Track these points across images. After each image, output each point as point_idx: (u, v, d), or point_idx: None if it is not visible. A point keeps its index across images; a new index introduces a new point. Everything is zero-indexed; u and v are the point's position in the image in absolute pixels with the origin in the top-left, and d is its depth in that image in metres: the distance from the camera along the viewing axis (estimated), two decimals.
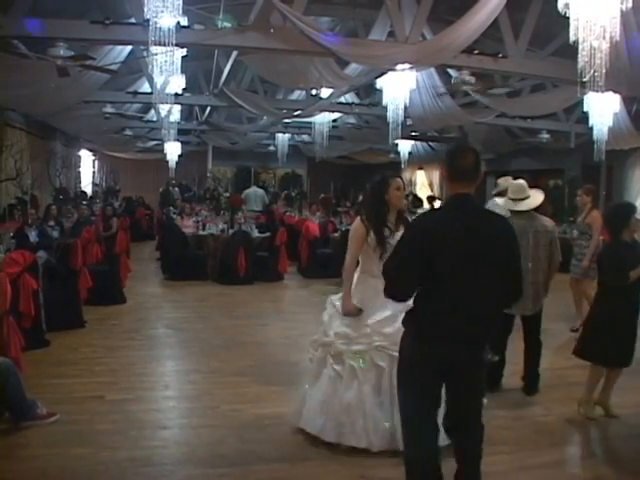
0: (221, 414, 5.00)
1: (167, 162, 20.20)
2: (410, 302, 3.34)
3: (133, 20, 7.45)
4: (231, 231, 11.78)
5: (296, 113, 13.59)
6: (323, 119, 14.63)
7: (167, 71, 7.48)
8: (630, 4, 5.87)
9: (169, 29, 5.80)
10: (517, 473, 4.18)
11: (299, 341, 6.67)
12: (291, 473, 4.01)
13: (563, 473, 4.26)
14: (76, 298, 7.80)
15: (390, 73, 9.43)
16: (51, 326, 6.96)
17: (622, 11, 6.02)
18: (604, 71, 6.18)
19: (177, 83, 11.01)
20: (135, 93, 12.78)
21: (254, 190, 17.39)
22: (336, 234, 12.80)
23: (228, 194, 15.31)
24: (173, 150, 19.98)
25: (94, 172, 22.63)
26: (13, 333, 5.31)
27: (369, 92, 13.99)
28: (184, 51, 8.75)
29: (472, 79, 9.19)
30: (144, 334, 7.67)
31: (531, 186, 6.09)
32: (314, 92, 12.77)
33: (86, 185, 21.31)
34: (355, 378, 4.30)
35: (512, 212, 5.86)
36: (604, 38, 6.00)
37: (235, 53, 9.44)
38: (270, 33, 7.39)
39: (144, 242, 17.00)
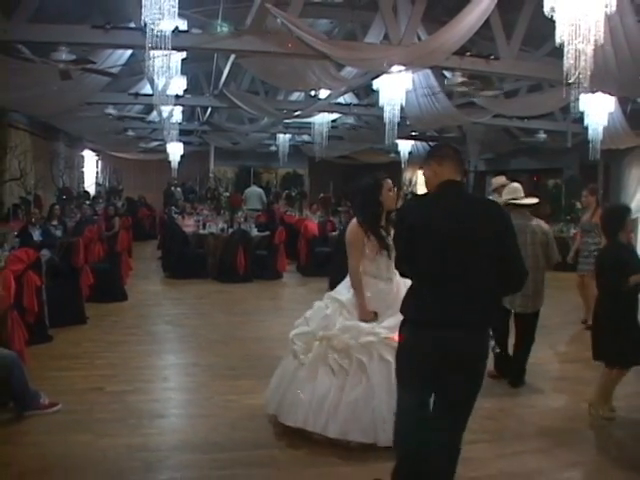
0: (215, 405, 5.23)
1: (170, 162, 20.46)
2: None
3: (133, 24, 7.64)
4: (231, 230, 11.99)
5: (295, 114, 13.76)
6: (322, 119, 14.80)
7: (166, 74, 7.67)
8: (614, 8, 6.07)
9: (164, 34, 5.97)
10: (496, 460, 4.35)
11: None
12: (278, 459, 4.23)
13: (542, 461, 4.41)
14: (78, 295, 8.02)
15: (386, 74, 9.60)
16: (54, 322, 7.17)
17: (607, 14, 6.24)
18: (589, 73, 6.37)
19: (178, 85, 11.23)
20: (137, 95, 12.97)
21: (253, 189, 17.70)
22: (335, 233, 13.01)
23: (228, 194, 15.54)
24: (175, 150, 20.21)
25: (97, 172, 22.84)
26: (17, 327, 5.54)
27: (368, 92, 14.15)
28: (183, 54, 8.97)
29: (465, 80, 9.35)
30: (144, 330, 7.89)
31: (527, 193, 6.36)
32: (313, 93, 12.95)
33: (89, 185, 21.53)
34: (364, 373, 4.31)
35: (511, 212, 6.11)
36: (589, 41, 6.20)
37: (233, 56, 9.62)
38: (266, 37, 7.58)
39: (146, 241, 17.26)
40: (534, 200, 6.24)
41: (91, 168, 22.46)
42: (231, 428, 4.70)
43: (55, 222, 11.78)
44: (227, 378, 5.94)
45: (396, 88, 10.21)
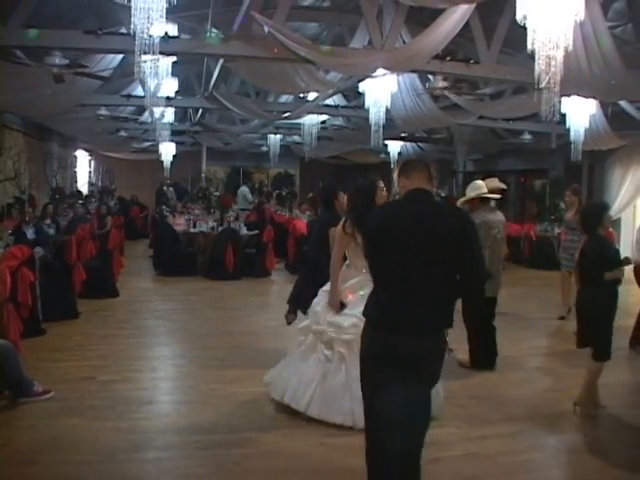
0: (201, 392, 5.54)
1: (162, 162, 20.69)
2: None
3: (124, 30, 7.91)
4: (220, 229, 12.27)
5: (284, 115, 14.05)
6: (311, 120, 15.07)
7: (156, 78, 7.94)
8: (583, 16, 6.38)
9: (154, 40, 6.23)
10: (461, 443, 4.64)
11: (279, 331, 7.09)
12: (257, 440, 4.53)
13: (505, 444, 4.69)
14: (71, 291, 8.31)
15: (370, 78, 9.88)
16: (47, 316, 7.45)
17: (576, 22, 6.56)
18: (559, 78, 6.68)
19: (169, 86, 11.50)
20: (129, 96, 13.21)
21: (241, 189, 18.17)
22: None
23: (218, 193, 15.82)
24: (168, 150, 20.42)
25: (90, 172, 23.02)
26: (12, 319, 5.83)
27: (356, 94, 14.42)
28: (174, 57, 9.24)
29: (446, 85, 9.64)
30: (135, 324, 8.18)
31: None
32: (301, 95, 13.22)
33: (82, 185, 21.69)
34: (343, 363, 4.82)
35: (488, 208, 6.62)
36: (559, 47, 6.51)
37: (222, 59, 9.88)
38: (253, 42, 7.85)
39: (138, 240, 17.53)
40: (497, 195, 6.69)
41: (84, 168, 22.60)
42: (214, 413, 5.01)
43: (48, 221, 12.01)
44: (213, 368, 6.23)
45: (381, 90, 10.49)
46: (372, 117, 10.94)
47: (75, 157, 21.53)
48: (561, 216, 13.15)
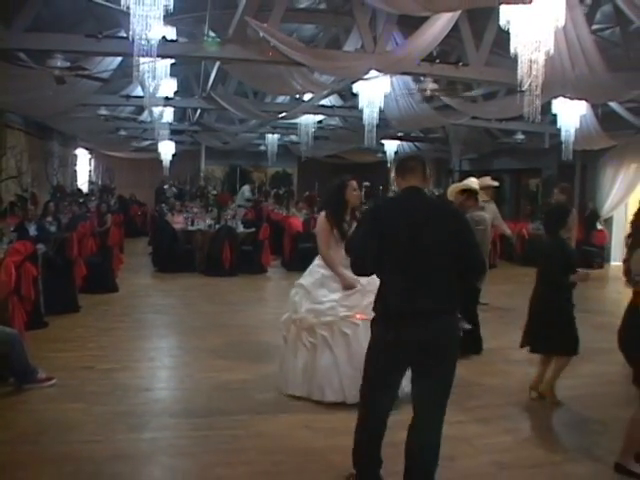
0: (195, 380, 5.83)
1: (161, 161, 20.97)
2: (364, 280, 4.39)
3: (123, 33, 8.18)
4: (217, 226, 12.56)
5: (280, 115, 14.33)
6: (307, 120, 15.36)
7: (154, 80, 8.22)
8: (563, 22, 6.67)
9: (152, 44, 6.50)
10: None
11: (274, 324, 7.22)
12: (247, 423, 4.81)
13: (482, 428, 4.97)
14: (72, 285, 8.58)
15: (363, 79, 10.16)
16: (49, 310, 7.72)
17: (564, 27, 6.85)
18: (541, 81, 6.96)
19: (168, 87, 11.78)
20: (128, 97, 13.50)
21: (242, 188, 18.51)
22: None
23: (216, 192, 16.11)
24: (167, 149, 20.73)
25: (90, 170, 23.28)
26: (17, 310, 6.11)
27: (352, 95, 14.66)
28: (172, 60, 9.53)
29: (435, 86, 9.92)
30: (133, 318, 8.45)
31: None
32: (297, 95, 13.49)
33: (82, 183, 21.96)
34: (327, 345, 5.15)
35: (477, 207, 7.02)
36: (540, 51, 6.79)
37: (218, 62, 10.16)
38: (248, 45, 8.12)
39: (138, 238, 17.80)
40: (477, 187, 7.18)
41: (84, 166, 22.87)
42: (207, 399, 5.29)
43: (50, 218, 12.23)
44: (208, 358, 6.52)
45: (375, 91, 10.78)
46: (366, 117, 11.25)
47: (75, 156, 21.80)
48: None
